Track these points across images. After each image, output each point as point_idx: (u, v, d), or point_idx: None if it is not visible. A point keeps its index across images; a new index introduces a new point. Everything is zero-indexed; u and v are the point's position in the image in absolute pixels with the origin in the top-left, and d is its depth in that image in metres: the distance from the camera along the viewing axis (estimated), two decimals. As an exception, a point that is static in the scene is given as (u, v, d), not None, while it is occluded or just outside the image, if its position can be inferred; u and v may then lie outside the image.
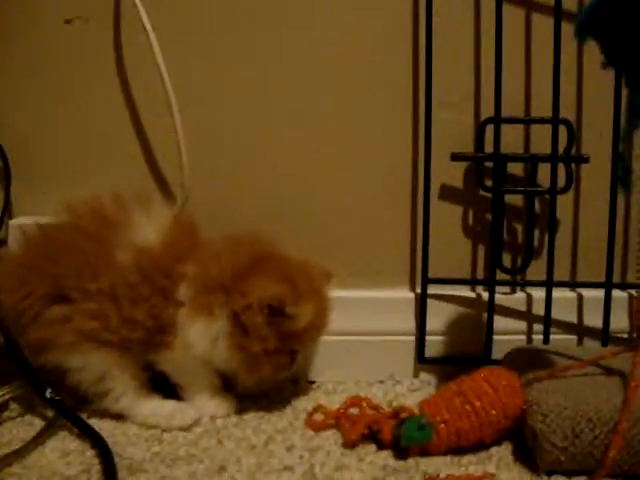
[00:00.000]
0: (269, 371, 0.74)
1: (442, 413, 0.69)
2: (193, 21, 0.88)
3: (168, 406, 0.77)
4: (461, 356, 0.89)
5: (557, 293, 0.90)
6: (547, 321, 0.88)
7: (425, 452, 0.69)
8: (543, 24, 0.87)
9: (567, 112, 0.88)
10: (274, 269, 0.74)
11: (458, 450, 0.69)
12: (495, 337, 0.89)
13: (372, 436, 0.72)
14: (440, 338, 0.90)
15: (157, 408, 0.77)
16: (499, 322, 0.89)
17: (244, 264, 0.74)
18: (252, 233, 0.78)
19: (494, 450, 0.70)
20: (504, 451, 0.70)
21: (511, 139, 0.89)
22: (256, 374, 0.75)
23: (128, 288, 0.73)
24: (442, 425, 0.68)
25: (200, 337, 0.74)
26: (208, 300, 0.73)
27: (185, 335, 0.74)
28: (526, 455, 0.68)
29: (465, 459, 0.68)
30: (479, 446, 0.70)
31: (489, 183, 0.88)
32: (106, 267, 0.74)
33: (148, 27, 0.83)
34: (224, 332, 0.73)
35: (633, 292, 0.70)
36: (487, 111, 0.87)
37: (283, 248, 0.77)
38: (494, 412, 0.68)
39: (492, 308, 0.88)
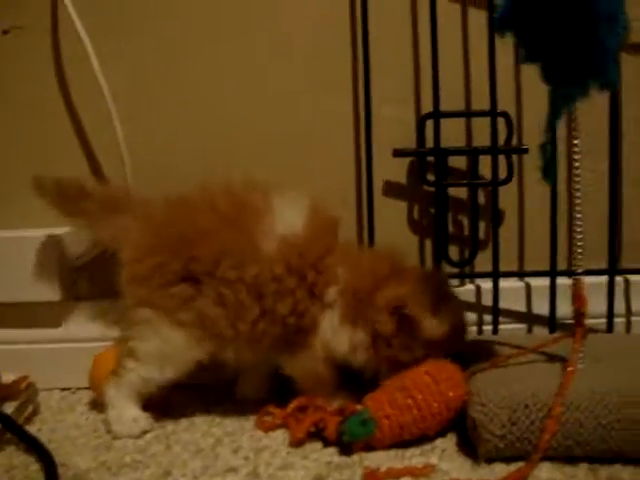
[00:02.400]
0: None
1: (385, 408, 0.69)
2: (130, 27, 0.88)
3: (129, 413, 0.77)
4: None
5: (506, 283, 0.91)
6: (495, 312, 0.89)
7: (370, 447, 0.69)
8: (479, 17, 0.88)
9: (507, 104, 0.89)
10: (404, 278, 0.74)
11: (403, 443, 0.69)
12: (445, 330, 0.89)
13: (318, 434, 0.72)
14: (391, 333, 0.90)
15: (121, 409, 0.76)
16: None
17: (380, 278, 0.74)
18: (389, 246, 0.79)
19: (439, 441, 0.70)
20: (448, 442, 0.71)
21: (454, 133, 0.90)
22: None
23: (273, 280, 0.72)
24: (385, 420, 0.69)
25: (341, 345, 0.74)
26: (355, 310, 0.74)
27: (325, 338, 0.74)
28: (469, 445, 0.69)
29: (409, 452, 0.69)
30: (424, 438, 0.70)
31: (433, 177, 0.88)
32: (250, 257, 0.72)
33: (83, 35, 0.83)
34: (364, 344, 0.74)
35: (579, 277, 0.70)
36: (428, 106, 0.88)
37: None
38: (436, 405, 0.69)
39: (441, 301, 0.88)
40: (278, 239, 0.72)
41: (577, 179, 0.70)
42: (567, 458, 0.64)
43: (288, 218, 0.74)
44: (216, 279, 0.72)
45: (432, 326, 0.72)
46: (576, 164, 0.69)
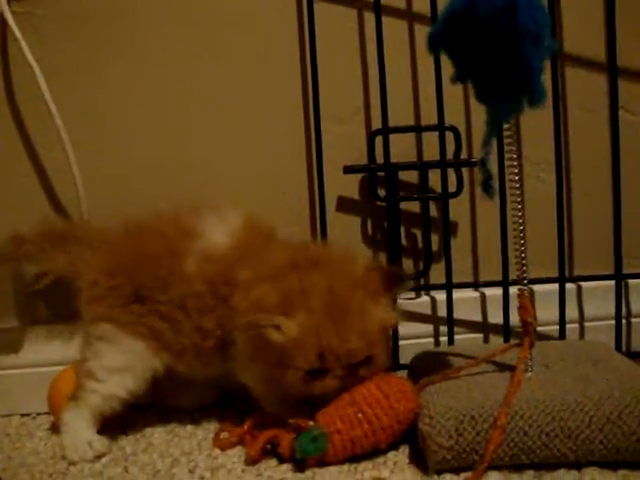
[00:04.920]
0: (279, 383, 0.73)
1: (336, 423, 0.70)
2: (81, 54, 0.89)
3: (84, 437, 0.77)
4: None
5: (461, 294, 0.93)
6: (450, 323, 0.91)
7: (323, 462, 0.70)
8: (425, 33, 0.89)
9: (457, 118, 0.91)
10: (286, 276, 0.72)
11: (355, 457, 0.70)
12: (402, 342, 0.91)
13: (274, 451, 0.73)
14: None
15: (75, 433, 0.77)
16: (405, 327, 0.91)
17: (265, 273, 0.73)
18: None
19: (391, 454, 0.72)
20: (400, 455, 0.72)
21: (404, 148, 0.91)
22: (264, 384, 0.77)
23: (195, 297, 0.75)
24: (336, 435, 0.69)
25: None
26: None
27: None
28: (420, 457, 0.70)
29: (362, 465, 0.70)
30: (377, 451, 0.71)
31: (384, 192, 0.90)
32: (176, 277, 0.76)
33: (32, 62, 0.84)
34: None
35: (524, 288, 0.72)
36: (378, 123, 0.89)
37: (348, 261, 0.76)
38: (386, 418, 0.70)
39: (396, 313, 0.89)
40: (200, 258, 0.76)
41: (518, 192, 0.71)
42: (514, 466, 0.66)
43: (213, 237, 0.77)
44: (155, 300, 0.77)
45: (285, 334, 0.69)
46: (516, 177, 0.71)
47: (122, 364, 0.77)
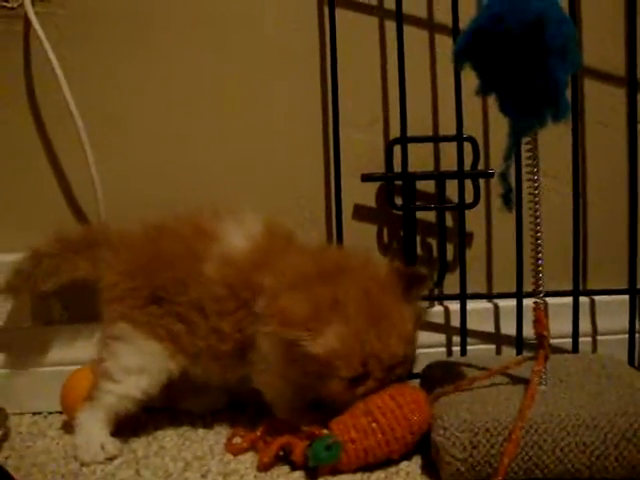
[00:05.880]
0: (314, 392, 0.74)
1: (350, 432, 0.70)
2: (102, 56, 0.89)
3: (97, 438, 0.77)
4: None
5: (475, 304, 0.93)
6: (463, 333, 0.90)
7: (336, 470, 0.70)
8: (445, 44, 0.90)
9: (475, 129, 0.91)
10: (315, 286, 0.71)
11: (368, 466, 0.70)
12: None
13: (286, 458, 0.73)
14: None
15: (89, 434, 0.77)
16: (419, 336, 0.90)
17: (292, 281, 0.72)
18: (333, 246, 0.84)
19: (403, 464, 0.72)
20: (413, 465, 0.72)
21: (422, 158, 0.91)
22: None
23: (214, 300, 0.75)
24: (350, 444, 0.69)
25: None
26: None
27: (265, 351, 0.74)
28: (433, 468, 0.70)
29: (374, 475, 0.70)
30: (390, 461, 0.71)
31: (401, 201, 0.90)
32: (194, 280, 0.76)
33: (54, 61, 0.84)
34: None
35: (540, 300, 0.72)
36: (396, 132, 0.89)
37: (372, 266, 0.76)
38: (399, 429, 0.70)
39: (410, 323, 0.89)
40: (220, 261, 0.76)
41: (536, 206, 0.71)
42: (527, 481, 0.66)
43: (233, 240, 0.77)
44: (172, 302, 0.77)
45: (320, 346, 0.68)
46: (535, 191, 0.71)
47: (139, 365, 0.78)
